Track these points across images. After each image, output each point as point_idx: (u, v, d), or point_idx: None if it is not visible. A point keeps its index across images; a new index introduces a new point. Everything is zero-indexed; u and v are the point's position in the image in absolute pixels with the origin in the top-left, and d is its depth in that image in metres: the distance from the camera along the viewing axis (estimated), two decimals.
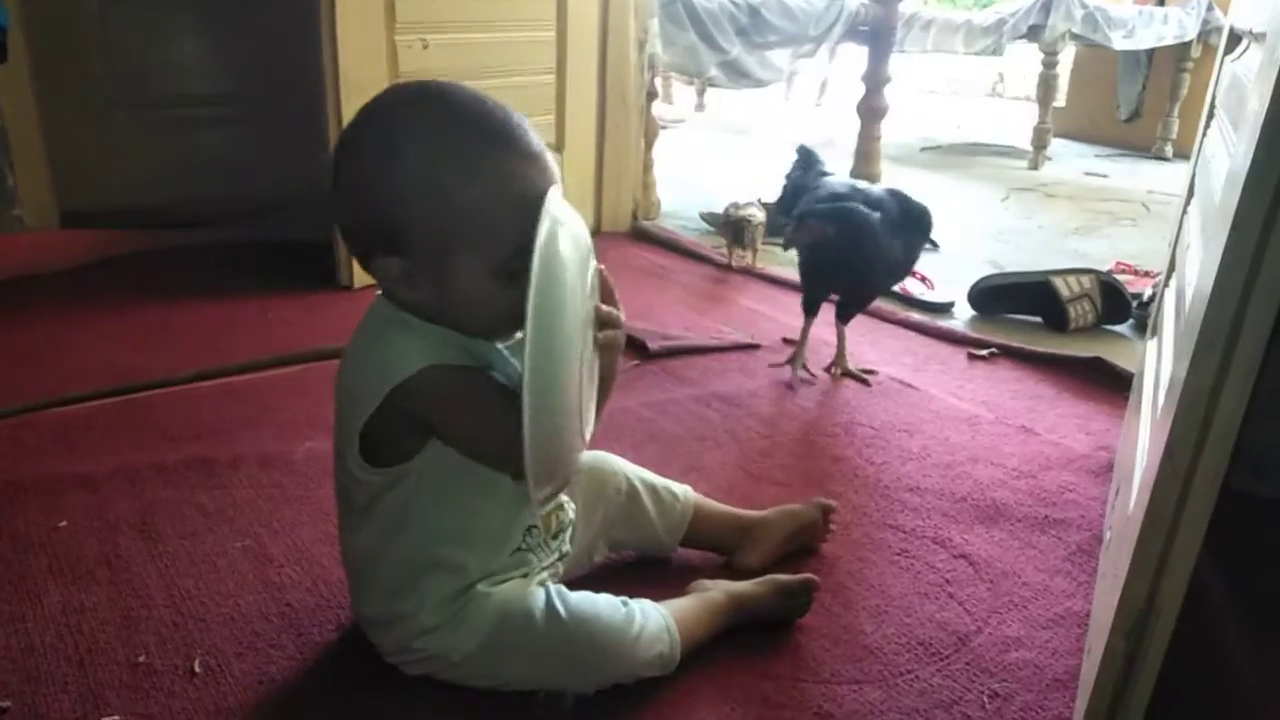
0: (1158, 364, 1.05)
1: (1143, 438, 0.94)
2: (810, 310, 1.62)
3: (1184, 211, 1.17)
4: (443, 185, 0.73)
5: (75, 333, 1.70)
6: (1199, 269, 0.80)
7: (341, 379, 0.82)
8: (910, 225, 1.52)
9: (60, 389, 1.44)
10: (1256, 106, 0.63)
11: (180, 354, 1.61)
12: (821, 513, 1.12)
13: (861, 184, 1.57)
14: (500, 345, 0.84)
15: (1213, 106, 1.14)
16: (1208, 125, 1.13)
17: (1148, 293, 1.94)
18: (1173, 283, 1.16)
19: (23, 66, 2.05)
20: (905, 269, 1.60)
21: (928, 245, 2.55)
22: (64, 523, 1.11)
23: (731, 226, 2.25)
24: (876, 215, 1.47)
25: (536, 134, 0.78)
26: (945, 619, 1.01)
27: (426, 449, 0.80)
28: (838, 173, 1.71)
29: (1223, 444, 0.62)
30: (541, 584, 0.88)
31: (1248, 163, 0.59)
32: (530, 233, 0.68)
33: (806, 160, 1.70)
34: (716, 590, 0.96)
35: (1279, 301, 0.59)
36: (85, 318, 1.78)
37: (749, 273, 2.24)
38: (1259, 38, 0.82)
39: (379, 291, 0.83)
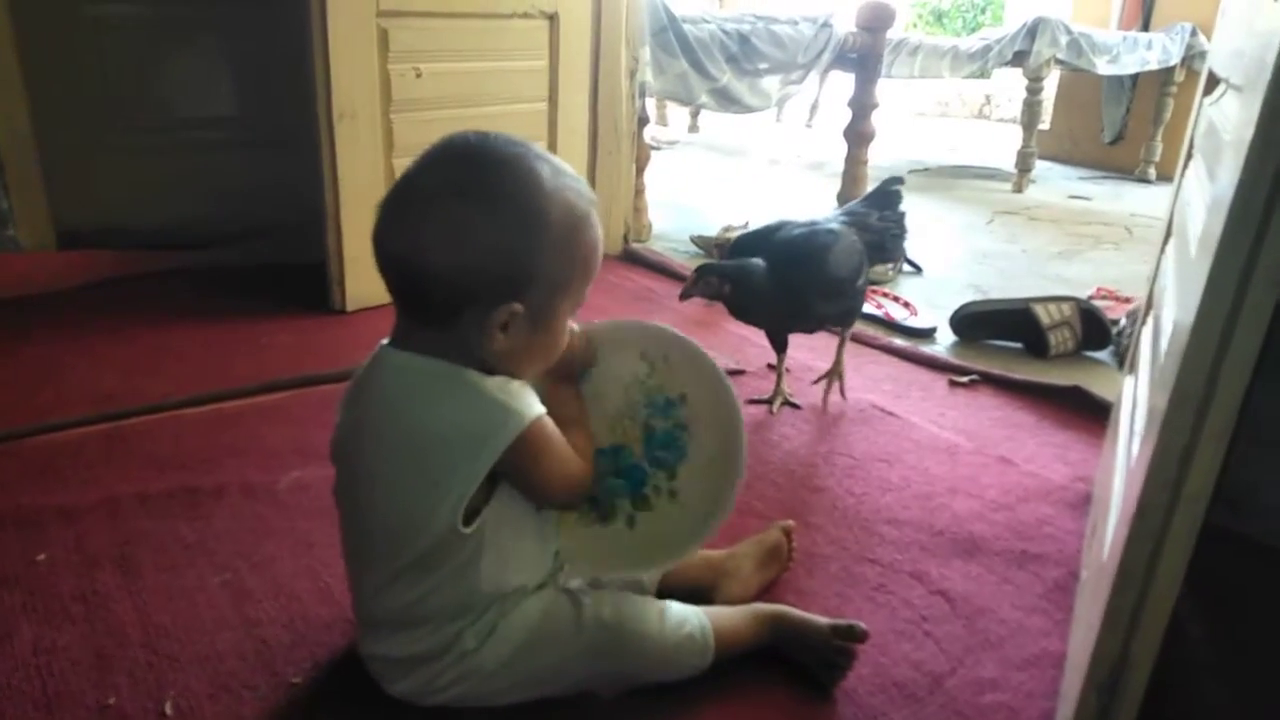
0: (1133, 405, 1.07)
1: (1117, 482, 0.95)
2: (777, 348, 1.64)
3: (1162, 250, 1.19)
4: (571, 234, 0.80)
5: (68, 356, 1.70)
6: (1175, 311, 0.82)
7: (411, 441, 0.79)
8: (802, 260, 1.51)
9: (50, 415, 1.44)
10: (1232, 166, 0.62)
11: (172, 379, 1.61)
12: (784, 534, 1.14)
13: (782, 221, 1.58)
14: None
15: (1191, 147, 1.15)
16: (1186, 165, 1.15)
17: (1123, 320, 1.96)
18: (1149, 321, 1.18)
19: (18, 87, 2.07)
20: (848, 291, 1.58)
21: (910, 269, 2.59)
22: (42, 556, 1.11)
23: (721, 250, 2.27)
24: (759, 264, 1.48)
25: None
26: (920, 659, 1.01)
27: (494, 498, 0.82)
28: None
29: (1195, 506, 0.63)
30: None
31: (1222, 222, 0.59)
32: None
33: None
34: (766, 605, 1.01)
35: (1255, 349, 0.59)
36: (78, 341, 1.78)
37: None
38: (1236, 87, 0.83)
39: (386, 342, 0.83)
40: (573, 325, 0.90)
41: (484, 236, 0.76)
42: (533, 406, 0.81)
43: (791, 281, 1.50)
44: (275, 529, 1.18)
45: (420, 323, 0.81)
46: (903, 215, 1.73)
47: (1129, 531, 0.69)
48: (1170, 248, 1.11)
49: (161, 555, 1.12)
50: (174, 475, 1.30)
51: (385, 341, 0.84)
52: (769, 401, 1.64)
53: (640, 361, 0.97)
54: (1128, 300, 2.15)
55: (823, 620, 0.99)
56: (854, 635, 0.97)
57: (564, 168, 0.82)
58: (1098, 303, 2.07)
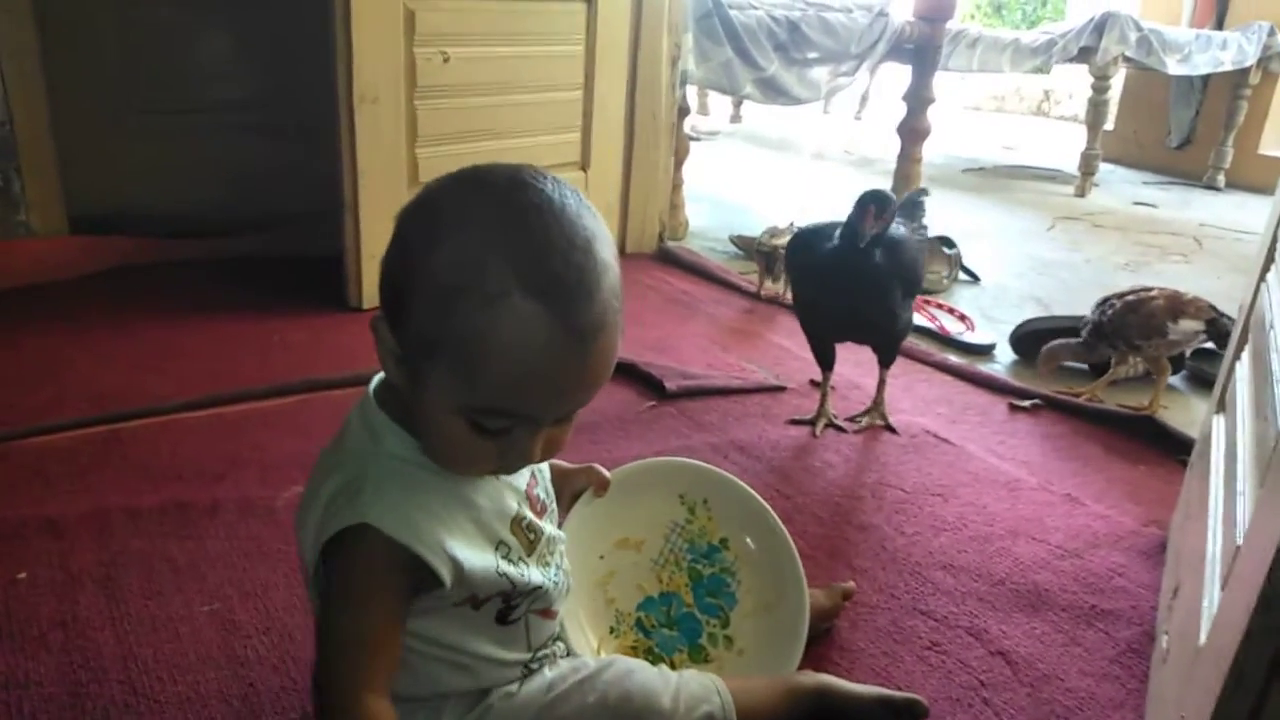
0: (1229, 451, 0.94)
1: (1212, 546, 0.83)
2: (823, 364, 1.52)
3: (1262, 277, 1.05)
4: (460, 296, 0.58)
5: (69, 350, 1.64)
6: None
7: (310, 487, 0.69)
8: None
9: (47, 414, 1.37)
10: None
11: (176, 378, 1.53)
12: (842, 597, 1.04)
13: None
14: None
15: None
16: None
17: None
18: (1245, 356, 1.04)
19: (35, 69, 2.00)
20: (895, 300, 1.42)
21: (966, 278, 2.45)
22: (23, 574, 1.03)
23: (764, 255, 2.15)
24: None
25: (612, 285, 0.61)
26: None
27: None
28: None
29: None
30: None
31: None
32: (525, 409, 0.62)
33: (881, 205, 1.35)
34: (806, 675, 0.88)
35: None
36: (82, 335, 1.71)
37: (778, 302, 2.13)
38: None
39: (370, 389, 0.71)
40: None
41: (404, 225, 0.63)
42: (365, 514, 0.61)
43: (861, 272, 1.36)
44: (270, 552, 1.09)
45: None
46: (925, 228, 1.58)
47: (1247, 627, 0.57)
48: (1275, 274, 0.98)
49: (148, 578, 1.04)
50: (168, 487, 1.21)
51: (370, 388, 0.71)
52: (811, 423, 1.52)
53: (680, 506, 0.97)
54: None
55: (873, 691, 0.88)
56: (914, 713, 0.86)
57: (566, 249, 0.59)
58: None
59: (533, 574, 0.72)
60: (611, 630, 0.92)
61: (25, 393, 1.46)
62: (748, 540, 0.98)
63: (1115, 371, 1.68)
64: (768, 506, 0.98)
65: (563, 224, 0.59)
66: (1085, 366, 1.84)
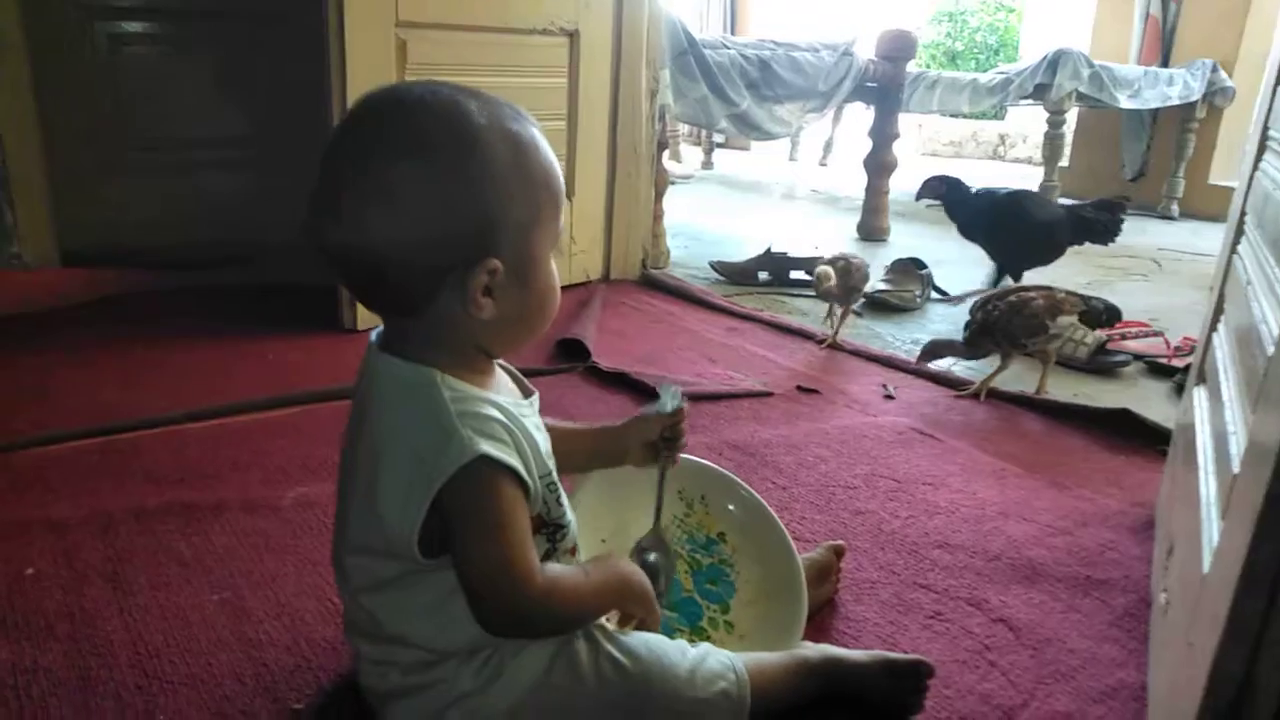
0: (1213, 407, 0.98)
1: (1204, 488, 0.86)
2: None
3: (1232, 252, 1.11)
4: (522, 160, 0.68)
5: (66, 370, 1.63)
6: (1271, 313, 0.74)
7: (380, 450, 0.69)
8: None
9: (43, 427, 1.36)
10: None
11: (173, 394, 1.54)
12: (833, 553, 1.05)
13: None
14: (515, 400, 0.75)
15: (1265, 131, 1.08)
16: (1260, 156, 1.07)
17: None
18: (1220, 327, 1.10)
19: (29, 103, 2.03)
20: None
21: (938, 296, 2.52)
22: (31, 570, 1.02)
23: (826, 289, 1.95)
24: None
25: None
26: (988, 691, 0.92)
27: None
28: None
29: None
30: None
31: None
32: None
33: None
34: (812, 649, 0.88)
35: None
36: (77, 356, 1.71)
37: (838, 348, 2.01)
38: None
39: (375, 339, 0.74)
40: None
41: (427, 195, 0.65)
42: (480, 444, 0.65)
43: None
44: (278, 546, 1.10)
45: (396, 317, 0.72)
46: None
47: (1254, 529, 0.60)
48: (1248, 244, 1.04)
49: (155, 572, 1.03)
50: (171, 490, 1.21)
51: (374, 338, 0.74)
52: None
53: (679, 501, 1.01)
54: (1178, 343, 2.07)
55: (877, 657, 0.89)
56: (919, 673, 0.87)
57: (494, 97, 0.70)
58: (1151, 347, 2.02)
59: (565, 508, 0.76)
60: None
61: (21, 407, 1.45)
62: (744, 534, 1.00)
63: (1003, 366, 1.76)
64: (763, 501, 1.01)
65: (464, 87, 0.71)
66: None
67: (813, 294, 2.48)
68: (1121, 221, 2.42)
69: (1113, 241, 2.44)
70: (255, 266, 2.24)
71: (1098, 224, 2.40)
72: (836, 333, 2.01)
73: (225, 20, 2.40)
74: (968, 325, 1.76)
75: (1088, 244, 2.46)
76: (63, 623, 0.94)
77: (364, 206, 0.65)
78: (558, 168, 0.72)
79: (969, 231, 2.48)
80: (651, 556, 0.88)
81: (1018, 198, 2.42)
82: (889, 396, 1.73)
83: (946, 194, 2.46)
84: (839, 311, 2.02)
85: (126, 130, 2.29)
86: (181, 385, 1.60)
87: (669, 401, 0.87)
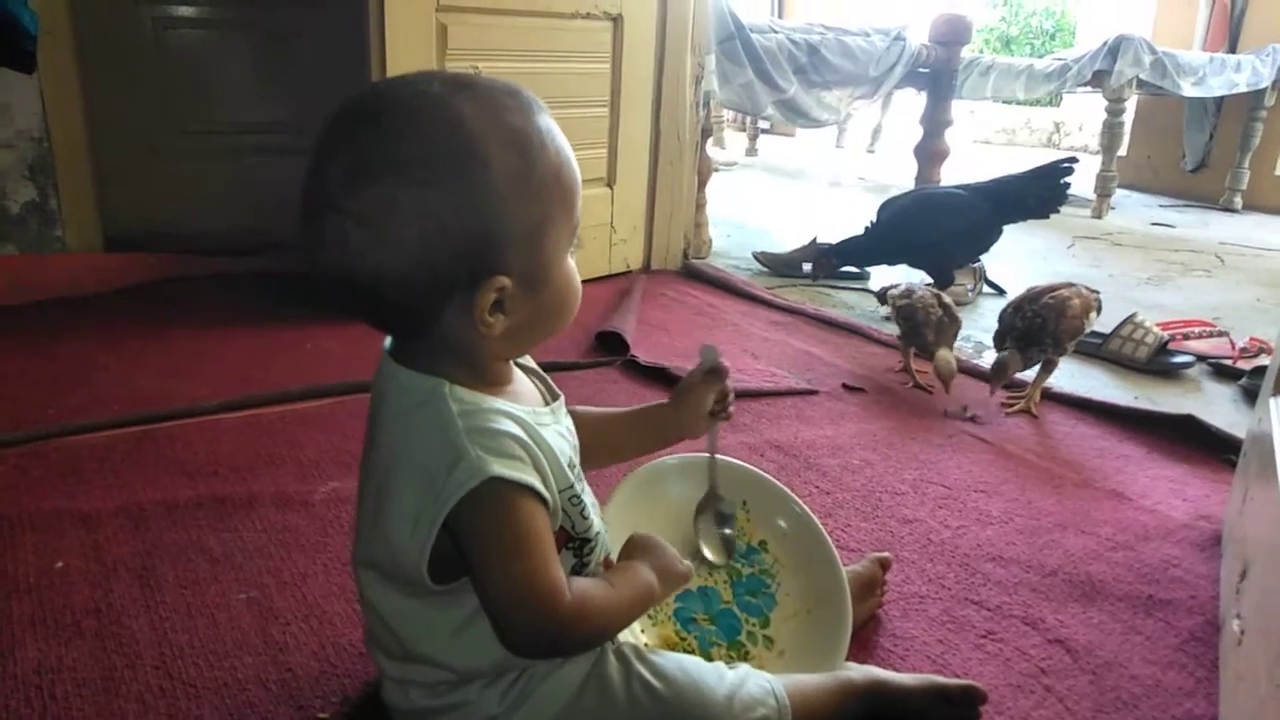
0: None
1: None
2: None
3: None
4: (526, 160, 0.63)
5: (105, 357, 1.63)
6: None
7: (392, 465, 0.66)
8: None
9: (80, 415, 1.36)
10: None
11: (210, 382, 1.53)
12: (879, 566, 1.01)
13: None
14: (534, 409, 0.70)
15: None
16: None
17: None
18: None
19: (73, 88, 2.03)
20: None
21: (991, 291, 2.44)
22: (61, 564, 1.01)
23: (908, 322, 1.69)
24: None
25: None
26: (1044, 719, 0.86)
27: None
28: None
29: None
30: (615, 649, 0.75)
31: None
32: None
33: None
34: (856, 670, 0.84)
35: None
36: (117, 343, 1.71)
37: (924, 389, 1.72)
38: None
39: (387, 344, 0.70)
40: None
41: (418, 216, 0.59)
42: (491, 465, 0.61)
43: None
44: (308, 543, 1.07)
45: (400, 336, 0.68)
46: None
47: None
48: None
49: (184, 568, 1.02)
50: (204, 483, 1.20)
51: (387, 345, 0.70)
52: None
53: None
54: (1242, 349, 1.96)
55: (925, 681, 0.84)
56: (971, 700, 0.82)
57: (494, 86, 0.64)
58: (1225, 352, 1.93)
59: (592, 520, 0.71)
60: (650, 616, 0.89)
61: (59, 395, 1.45)
62: (787, 543, 0.96)
63: (1048, 373, 1.64)
64: (808, 510, 0.96)
65: (458, 78, 0.66)
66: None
67: (860, 287, 2.42)
68: (1065, 188, 2.09)
69: (1055, 212, 2.16)
70: (297, 253, 2.23)
71: (1030, 198, 2.12)
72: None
73: (268, 5, 2.39)
74: (1005, 334, 1.62)
75: (1102, 234, 2.28)
76: (89, 619, 0.93)
77: (350, 230, 0.60)
78: (569, 156, 0.66)
79: (892, 261, 2.32)
80: (722, 505, 0.90)
81: (902, 211, 2.18)
82: (971, 418, 1.58)
83: (840, 255, 2.25)
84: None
85: (170, 115, 2.29)
86: (219, 374, 1.59)
87: (710, 359, 0.85)
